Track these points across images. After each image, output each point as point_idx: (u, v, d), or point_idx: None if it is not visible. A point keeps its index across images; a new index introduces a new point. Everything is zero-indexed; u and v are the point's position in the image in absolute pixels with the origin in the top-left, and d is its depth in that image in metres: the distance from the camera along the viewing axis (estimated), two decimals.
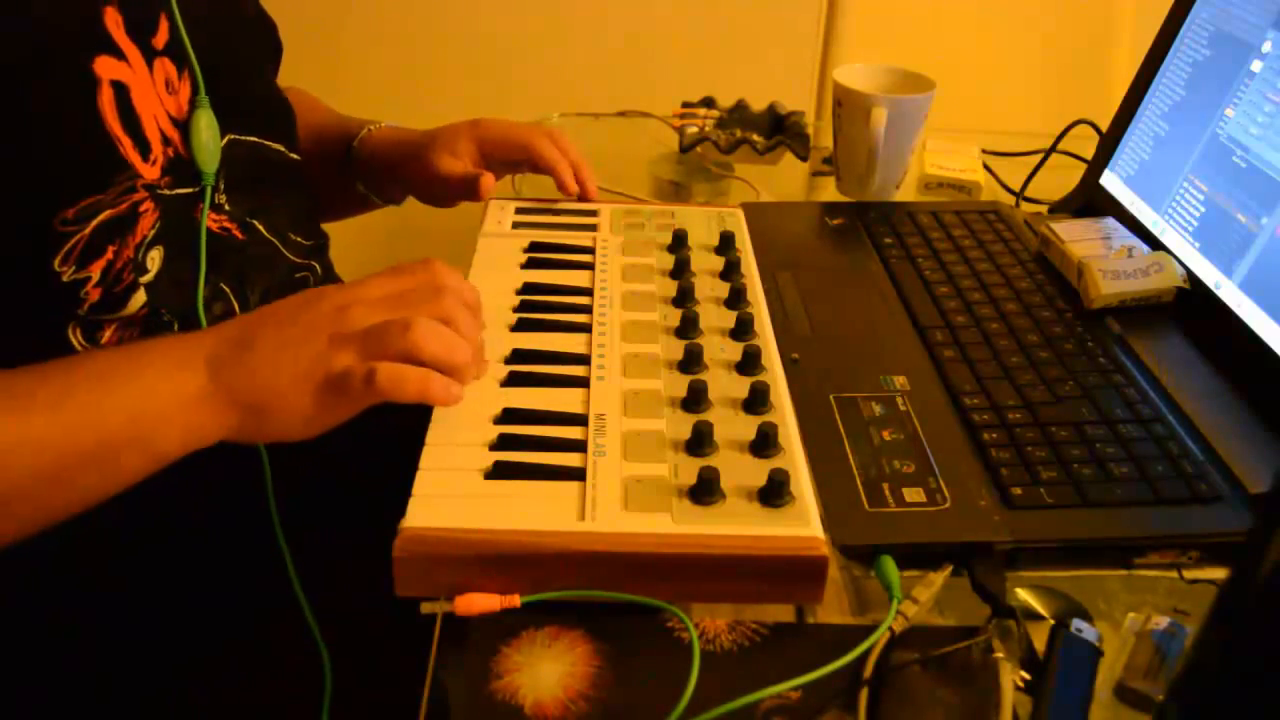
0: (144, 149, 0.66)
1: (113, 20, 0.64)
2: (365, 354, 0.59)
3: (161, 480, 0.59)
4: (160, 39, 0.68)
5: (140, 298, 0.66)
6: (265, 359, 0.59)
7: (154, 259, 0.67)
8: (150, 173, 0.66)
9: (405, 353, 0.59)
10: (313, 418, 0.59)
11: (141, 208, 0.66)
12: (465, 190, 0.85)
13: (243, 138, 0.76)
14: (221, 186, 0.73)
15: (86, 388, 0.56)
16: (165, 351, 0.60)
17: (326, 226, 0.90)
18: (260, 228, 0.77)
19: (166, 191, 0.68)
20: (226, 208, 0.74)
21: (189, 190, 0.70)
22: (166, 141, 0.68)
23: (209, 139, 0.70)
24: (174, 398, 0.57)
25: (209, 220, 0.71)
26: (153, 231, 0.67)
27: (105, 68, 0.63)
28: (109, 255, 0.64)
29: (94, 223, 0.62)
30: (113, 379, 0.57)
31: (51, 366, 0.57)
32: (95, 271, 0.63)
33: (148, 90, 0.66)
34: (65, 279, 0.62)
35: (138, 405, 0.57)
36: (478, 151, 0.87)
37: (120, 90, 0.64)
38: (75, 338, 0.65)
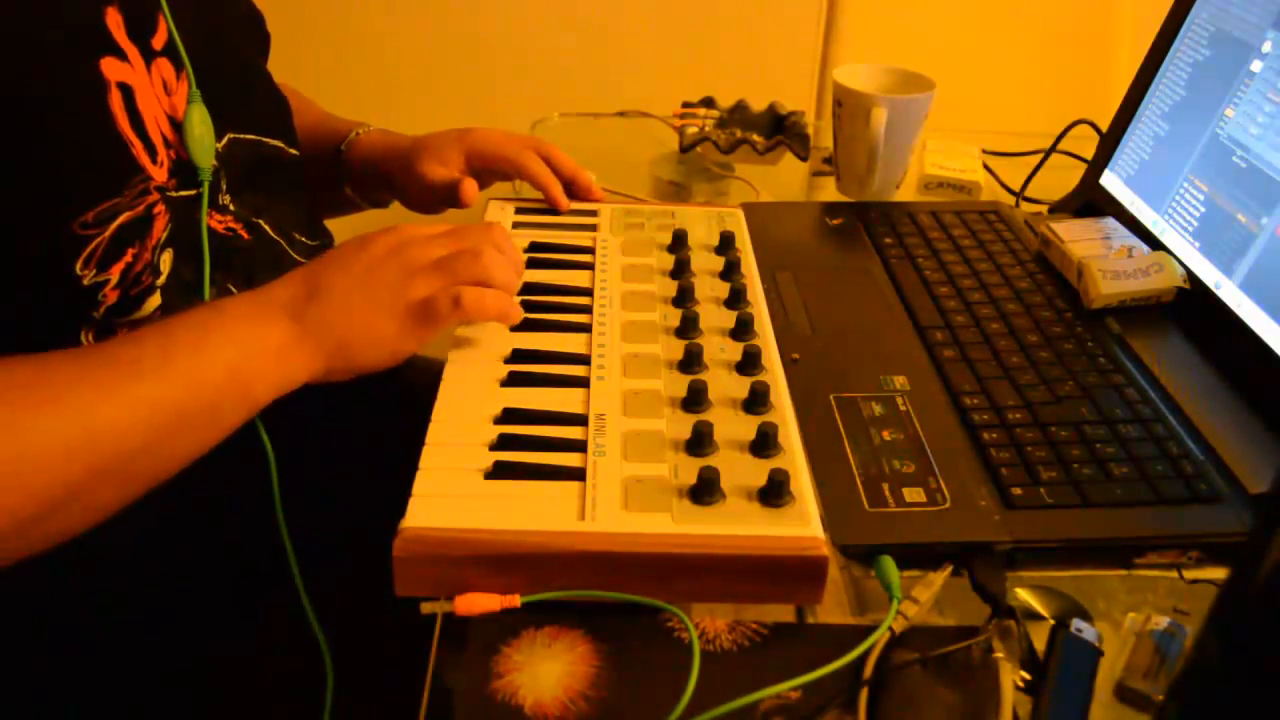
0: (151, 151, 0.66)
1: (114, 21, 0.64)
2: (444, 280, 0.66)
3: (166, 480, 0.59)
4: (159, 39, 0.68)
5: (155, 300, 0.67)
6: (340, 300, 0.64)
7: (166, 261, 0.68)
8: (159, 175, 0.66)
9: (479, 278, 0.67)
10: (398, 345, 0.66)
11: (155, 210, 0.66)
12: (449, 197, 0.85)
13: (242, 136, 0.75)
14: (225, 187, 0.73)
15: (184, 348, 0.60)
16: (242, 307, 0.64)
17: (328, 225, 0.90)
18: (266, 227, 0.77)
19: (174, 194, 0.68)
20: (231, 208, 0.74)
21: (193, 192, 0.70)
22: (168, 144, 0.68)
23: (203, 134, 0.70)
24: (266, 347, 0.62)
25: (214, 221, 0.71)
26: (165, 234, 0.67)
27: (111, 69, 0.63)
28: (128, 258, 0.64)
29: (114, 225, 0.63)
30: (208, 338, 0.60)
31: (144, 333, 0.60)
32: (115, 274, 0.64)
33: (149, 92, 0.66)
34: (86, 282, 0.63)
35: (236, 359, 0.60)
36: (465, 161, 0.87)
37: (126, 92, 0.64)
38: (88, 340, 0.65)
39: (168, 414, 0.58)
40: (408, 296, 0.65)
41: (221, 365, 0.60)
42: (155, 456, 0.58)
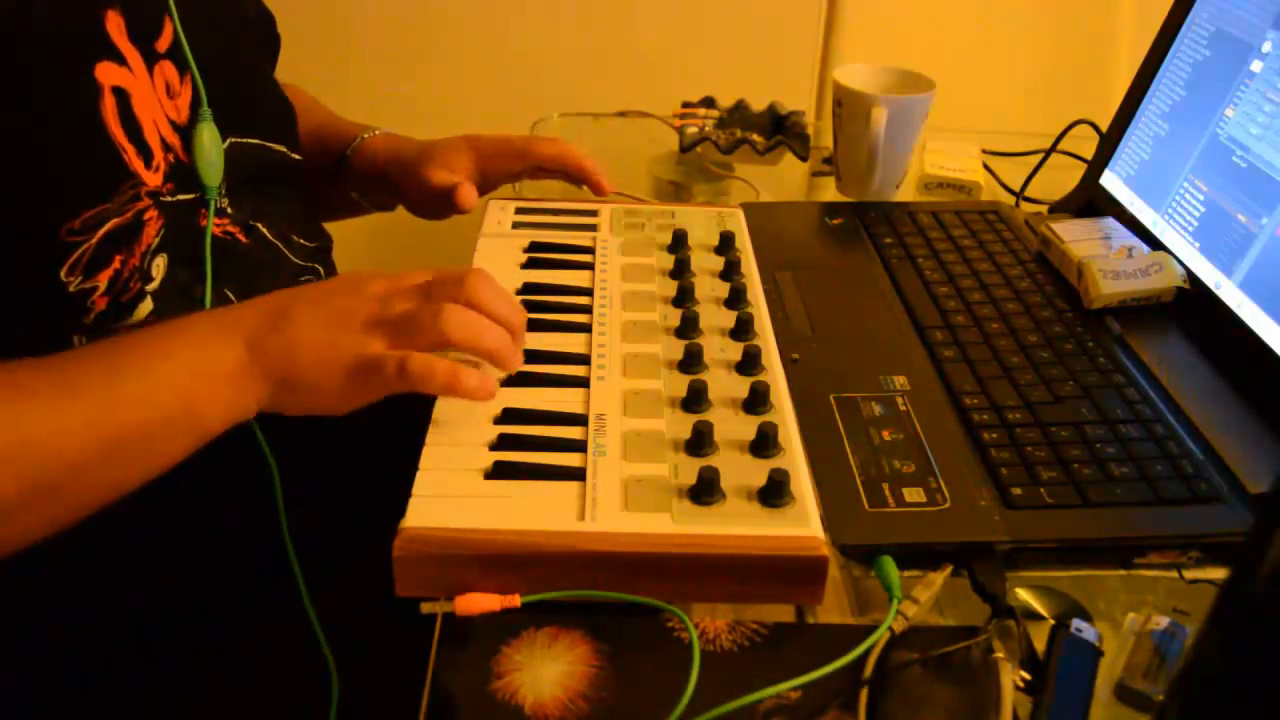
0: (146, 156, 0.65)
1: (114, 24, 0.64)
2: (397, 342, 0.60)
3: (167, 483, 0.59)
4: (163, 42, 0.68)
5: (147, 306, 0.66)
6: (300, 337, 0.60)
7: (159, 266, 0.67)
8: (153, 180, 0.66)
9: (435, 341, 0.60)
10: (343, 397, 0.61)
11: (146, 215, 0.65)
12: (453, 202, 0.85)
13: (244, 140, 0.75)
14: (223, 190, 0.73)
15: (132, 368, 0.57)
16: (203, 327, 0.61)
17: (328, 227, 0.90)
18: (264, 230, 0.77)
19: (169, 198, 0.67)
20: (229, 211, 0.73)
21: (190, 196, 0.70)
22: (167, 147, 0.67)
23: (212, 151, 0.70)
24: (215, 371, 0.59)
25: (211, 225, 0.71)
26: (157, 239, 0.66)
27: (106, 74, 0.63)
28: (116, 264, 0.63)
29: (100, 232, 0.62)
30: (156, 358, 0.58)
31: (93, 349, 0.59)
32: (102, 281, 0.63)
33: (148, 96, 0.66)
34: (72, 289, 0.62)
35: (182, 381, 0.58)
36: (474, 164, 0.86)
37: (121, 97, 0.64)
38: (80, 346, 0.64)
39: (107, 435, 0.56)
40: (359, 351, 0.60)
41: (169, 390, 0.57)
42: (96, 477, 0.56)
